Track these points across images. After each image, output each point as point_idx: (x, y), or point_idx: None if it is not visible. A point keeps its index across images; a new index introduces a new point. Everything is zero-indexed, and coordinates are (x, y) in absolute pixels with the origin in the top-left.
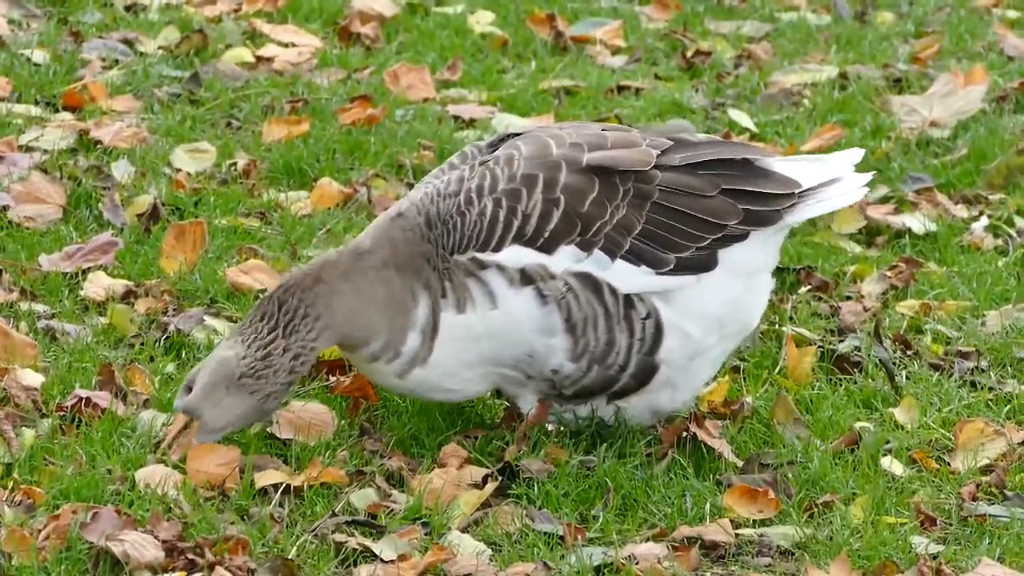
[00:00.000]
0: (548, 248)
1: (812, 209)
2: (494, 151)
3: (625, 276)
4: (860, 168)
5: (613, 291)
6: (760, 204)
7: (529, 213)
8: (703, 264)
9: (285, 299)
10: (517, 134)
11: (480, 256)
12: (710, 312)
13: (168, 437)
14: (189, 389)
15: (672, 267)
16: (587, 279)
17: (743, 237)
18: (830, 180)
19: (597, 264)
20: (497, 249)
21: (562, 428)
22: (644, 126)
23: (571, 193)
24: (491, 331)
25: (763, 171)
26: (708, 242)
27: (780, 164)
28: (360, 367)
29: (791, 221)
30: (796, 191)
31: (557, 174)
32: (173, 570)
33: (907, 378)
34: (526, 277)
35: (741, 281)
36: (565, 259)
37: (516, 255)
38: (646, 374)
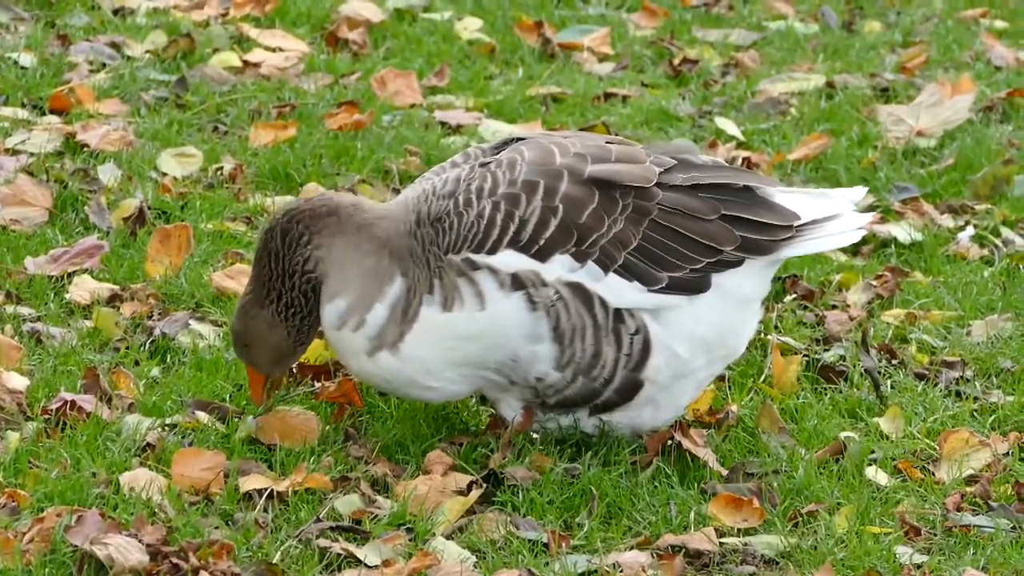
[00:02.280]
0: (542, 256)
1: (808, 245)
2: (498, 153)
3: (617, 290)
4: (848, 181)
5: (604, 304)
6: (758, 233)
7: (526, 219)
8: (696, 286)
9: (289, 228)
10: (522, 138)
11: (473, 257)
12: (699, 334)
13: (255, 392)
14: (240, 345)
15: (664, 286)
16: (578, 290)
17: (738, 264)
18: (830, 216)
19: (590, 276)
20: (491, 252)
21: (547, 436)
22: (648, 143)
23: (570, 203)
24: (477, 332)
25: (764, 200)
26: (703, 265)
27: (781, 195)
28: (331, 341)
29: (786, 254)
30: (795, 223)
31: (558, 183)
32: (157, 574)
33: (892, 388)
34: (517, 282)
35: (732, 307)
36: (558, 268)
37: (509, 259)
38: (630, 390)
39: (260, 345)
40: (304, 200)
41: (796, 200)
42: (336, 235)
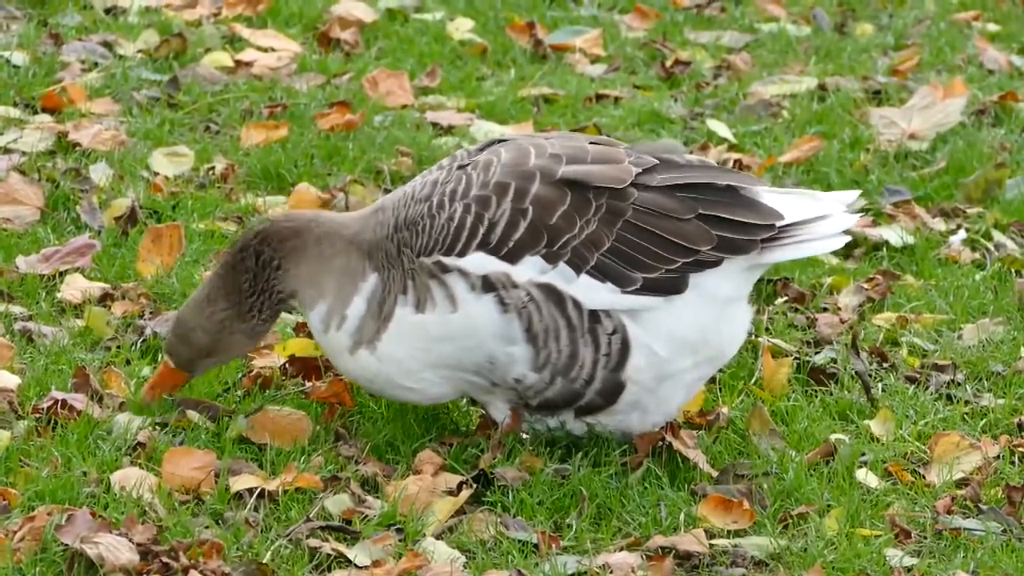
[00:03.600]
0: (512, 257)
1: (792, 250)
2: (478, 155)
3: (590, 291)
4: (840, 183)
5: (577, 305)
6: (737, 232)
7: (496, 221)
8: (672, 287)
9: (261, 250)
10: (504, 140)
11: (444, 260)
12: (680, 334)
13: (153, 385)
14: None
15: (638, 287)
16: (550, 291)
17: (716, 264)
18: (816, 217)
19: (562, 277)
20: (461, 254)
21: (538, 436)
22: (633, 143)
23: (540, 204)
24: (450, 334)
25: (746, 200)
26: (678, 265)
27: (767, 195)
28: (321, 346)
29: (768, 260)
30: (777, 223)
31: (529, 184)
32: (147, 573)
33: (883, 390)
34: (488, 284)
35: (714, 307)
36: (529, 269)
37: (479, 262)
38: (612, 391)
39: (222, 355)
40: (270, 222)
41: (782, 200)
42: (301, 254)
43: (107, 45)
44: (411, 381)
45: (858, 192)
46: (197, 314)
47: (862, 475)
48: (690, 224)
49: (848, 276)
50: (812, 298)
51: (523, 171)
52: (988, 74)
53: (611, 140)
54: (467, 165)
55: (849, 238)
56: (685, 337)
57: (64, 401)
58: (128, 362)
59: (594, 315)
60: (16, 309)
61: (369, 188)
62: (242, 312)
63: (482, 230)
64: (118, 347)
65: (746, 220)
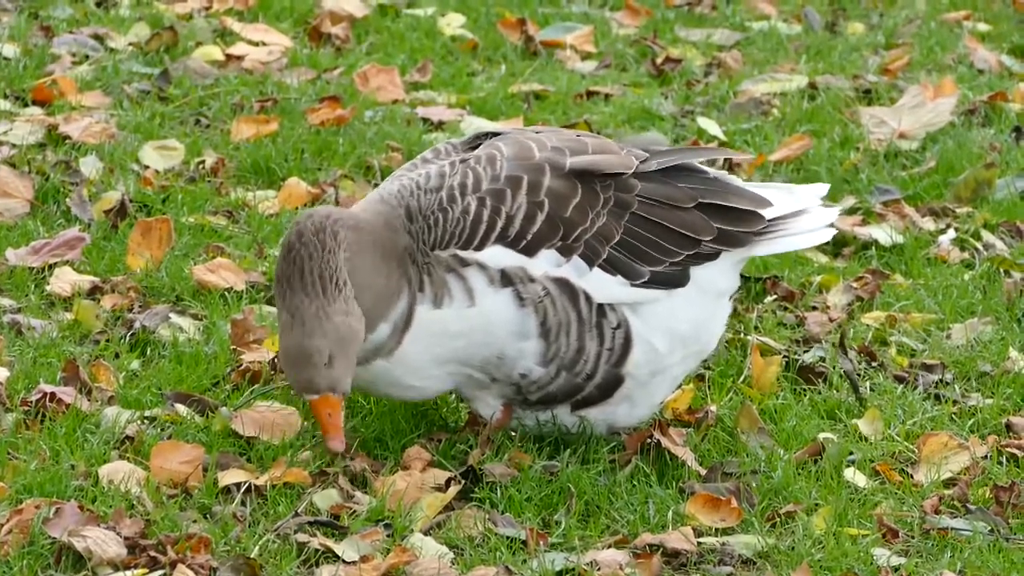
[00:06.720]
0: (529, 251)
1: (781, 243)
2: (471, 150)
3: (601, 285)
4: (830, 182)
5: (588, 299)
6: (733, 223)
7: (513, 214)
8: (675, 279)
9: (325, 240)
10: (494, 134)
11: (462, 254)
12: (677, 328)
13: (337, 425)
14: (323, 365)
15: (646, 280)
16: (565, 285)
17: (714, 256)
18: (797, 211)
19: (575, 270)
20: (479, 248)
21: (526, 433)
22: (617, 135)
23: (555, 197)
24: (467, 329)
25: (735, 187)
26: (682, 258)
27: (749, 188)
28: None
29: (759, 251)
30: (767, 211)
31: (541, 177)
32: (135, 567)
33: (871, 390)
34: (506, 278)
35: (708, 301)
36: (545, 263)
37: (498, 255)
38: (611, 385)
39: (345, 344)
40: (327, 210)
41: (764, 193)
42: (359, 254)
43: (98, 38)
44: (417, 380)
45: (828, 185)
46: (289, 331)
47: (850, 474)
48: (692, 215)
49: (837, 275)
50: (801, 297)
51: (532, 164)
52: (978, 74)
53: (598, 136)
54: (468, 159)
55: (835, 231)
56: (681, 331)
57: (53, 394)
58: (117, 355)
59: (601, 309)
60: (5, 302)
61: (359, 183)
62: (334, 294)
63: (500, 223)
64: (107, 340)
65: (741, 207)
